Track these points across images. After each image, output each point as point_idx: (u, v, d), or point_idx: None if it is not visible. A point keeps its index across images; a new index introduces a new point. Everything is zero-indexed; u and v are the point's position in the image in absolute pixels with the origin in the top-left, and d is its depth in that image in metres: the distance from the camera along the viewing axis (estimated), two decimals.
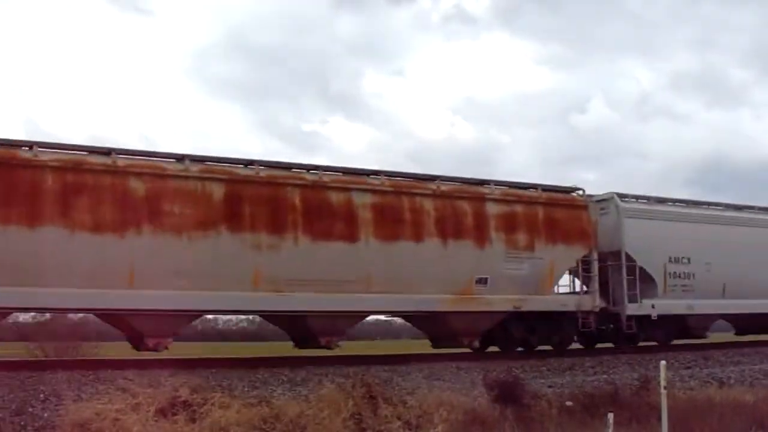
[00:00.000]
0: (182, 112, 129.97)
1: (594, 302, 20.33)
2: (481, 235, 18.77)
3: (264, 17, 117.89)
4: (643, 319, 21.33)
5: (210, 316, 23.49)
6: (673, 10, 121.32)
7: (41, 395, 11.89)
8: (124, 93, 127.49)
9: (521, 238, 19.32)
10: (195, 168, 15.93)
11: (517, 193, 19.95)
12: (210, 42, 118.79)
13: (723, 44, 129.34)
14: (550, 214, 19.88)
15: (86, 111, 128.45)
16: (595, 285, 20.43)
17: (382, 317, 22.74)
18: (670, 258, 21.93)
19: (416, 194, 18.25)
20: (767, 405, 14.62)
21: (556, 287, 20.63)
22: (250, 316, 29.84)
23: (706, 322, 23.05)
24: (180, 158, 16.09)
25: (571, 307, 20.13)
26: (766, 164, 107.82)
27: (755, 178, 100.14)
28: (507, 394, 13.13)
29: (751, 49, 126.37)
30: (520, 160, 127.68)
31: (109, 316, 16.20)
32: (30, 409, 11.16)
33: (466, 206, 18.80)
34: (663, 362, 11.46)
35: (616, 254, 21.26)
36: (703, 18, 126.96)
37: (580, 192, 20.96)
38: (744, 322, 24.92)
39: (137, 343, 16.01)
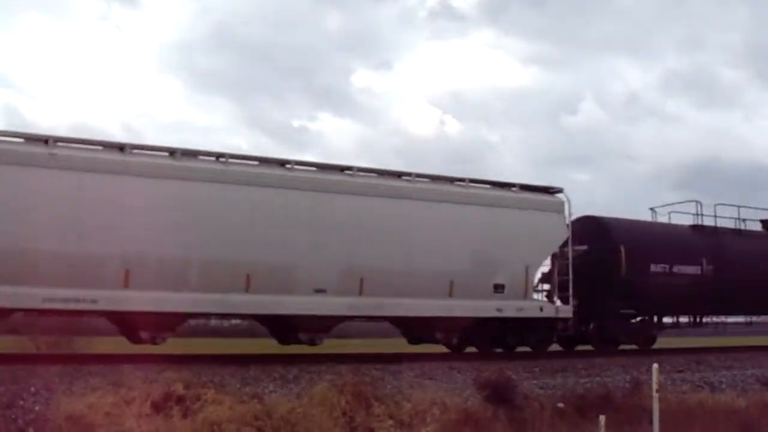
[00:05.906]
0: (168, 104, 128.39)
1: None
2: None
3: (249, 12, 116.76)
4: None
5: None
6: (662, 7, 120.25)
7: (32, 388, 11.84)
8: (107, 82, 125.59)
9: None
10: None
11: None
12: (196, 35, 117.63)
13: (714, 43, 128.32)
14: None
15: (69, 99, 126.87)
16: None
17: None
18: None
19: None
20: (758, 410, 14.71)
21: None
22: None
23: None
24: None
25: None
26: (759, 166, 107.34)
27: (748, 181, 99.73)
28: (499, 395, 13.16)
29: (743, 48, 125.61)
30: (510, 160, 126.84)
31: None
32: (21, 402, 11.11)
33: None
34: (655, 365, 11.51)
35: None
36: (693, 15, 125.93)
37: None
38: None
39: None
